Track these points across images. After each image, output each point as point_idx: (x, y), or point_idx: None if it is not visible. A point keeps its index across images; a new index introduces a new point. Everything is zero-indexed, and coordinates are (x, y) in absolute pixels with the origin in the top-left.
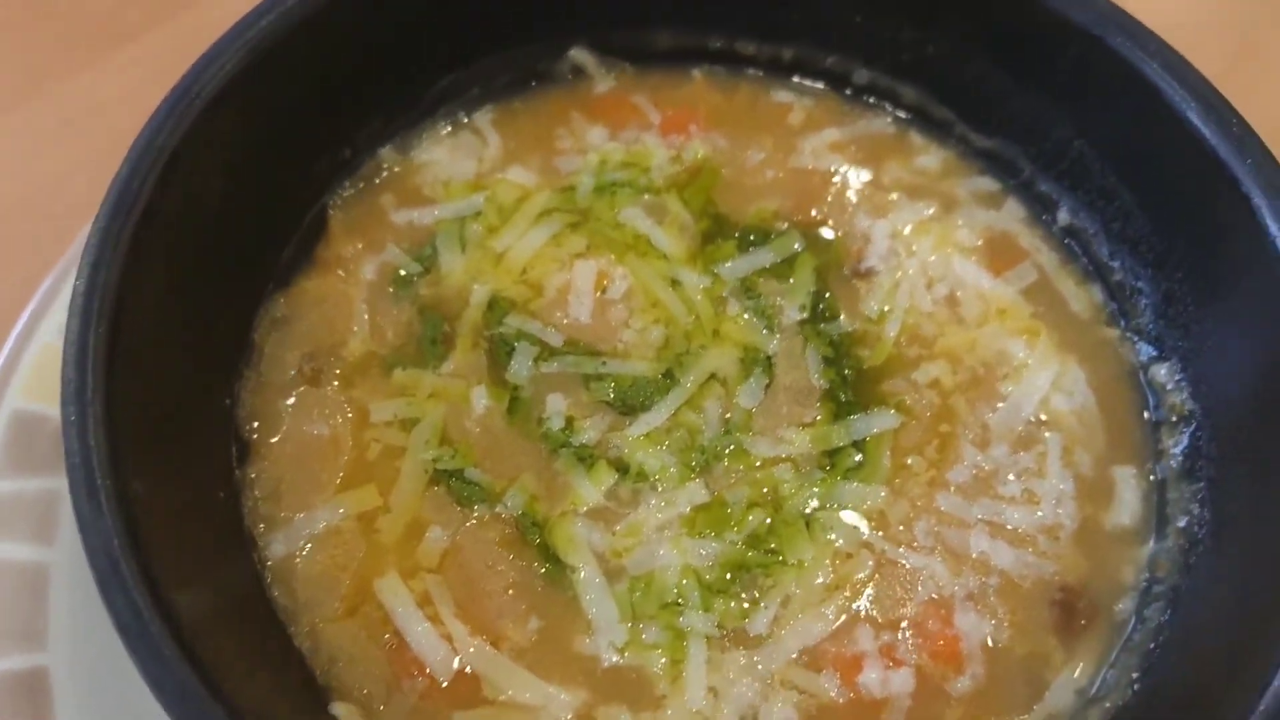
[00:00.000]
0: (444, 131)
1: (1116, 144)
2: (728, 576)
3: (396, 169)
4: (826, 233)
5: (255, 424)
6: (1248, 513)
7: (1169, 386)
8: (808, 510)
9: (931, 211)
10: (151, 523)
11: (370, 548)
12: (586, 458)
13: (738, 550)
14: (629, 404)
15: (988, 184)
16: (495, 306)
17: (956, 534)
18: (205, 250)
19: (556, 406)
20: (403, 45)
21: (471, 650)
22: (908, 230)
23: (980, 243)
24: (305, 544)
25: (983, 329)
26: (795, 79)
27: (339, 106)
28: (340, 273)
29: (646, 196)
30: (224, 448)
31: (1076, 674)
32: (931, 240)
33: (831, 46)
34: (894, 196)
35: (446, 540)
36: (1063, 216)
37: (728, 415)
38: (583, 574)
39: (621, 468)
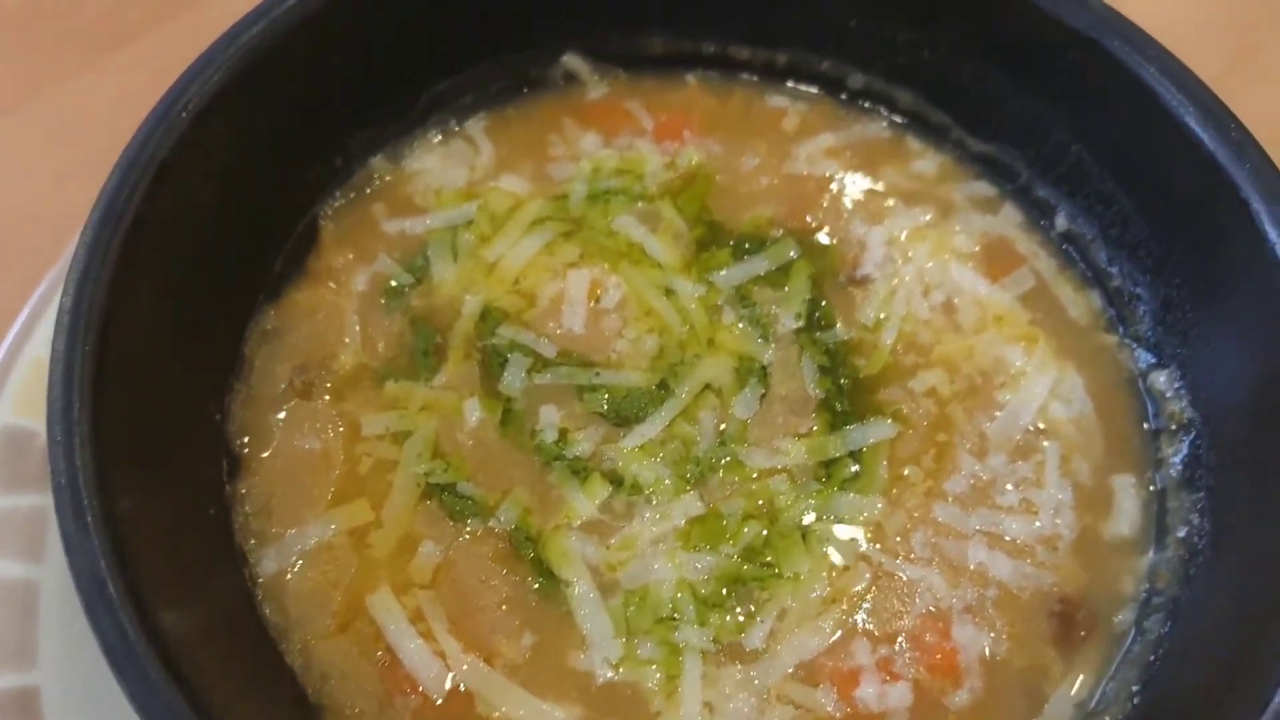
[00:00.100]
0: (435, 139)
1: (1114, 148)
2: (723, 590)
3: (388, 178)
4: (822, 239)
5: (246, 438)
6: (1248, 523)
7: (1168, 394)
8: (804, 522)
9: (928, 217)
10: (139, 541)
11: (362, 563)
12: (580, 470)
13: (733, 563)
14: (623, 415)
15: (985, 189)
16: (488, 317)
17: (954, 545)
18: (195, 263)
19: (550, 418)
20: (394, 52)
21: (465, 667)
22: (904, 236)
23: (977, 248)
24: (296, 560)
25: (980, 336)
26: (790, 84)
27: (330, 115)
28: (331, 284)
29: (640, 204)
30: (214, 463)
31: (1076, 687)
32: (928, 246)
33: (826, 51)
34: (890, 202)
35: (439, 555)
36: (1060, 221)
37: (723, 426)
38: (577, 588)
39: (616, 480)
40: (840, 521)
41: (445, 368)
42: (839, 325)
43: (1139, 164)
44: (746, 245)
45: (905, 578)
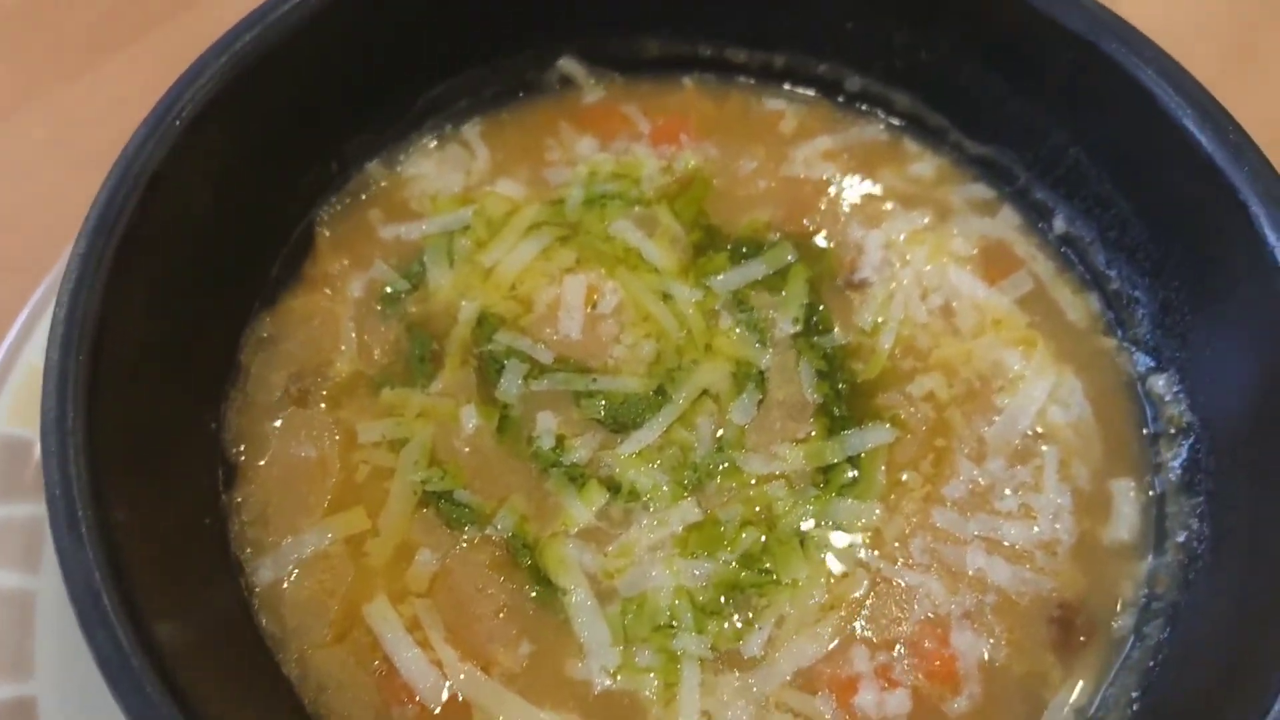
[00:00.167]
0: (431, 144)
1: (1112, 151)
2: (721, 597)
3: (384, 183)
4: (819, 243)
5: (241, 447)
6: (1247, 528)
7: (1167, 398)
8: (802, 528)
9: (926, 220)
10: (134, 552)
11: (359, 572)
12: (577, 477)
13: (731, 570)
14: (620, 421)
15: (983, 191)
16: (484, 323)
17: (953, 551)
18: (190, 270)
19: (547, 425)
20: (389, 57)
21: (462, 676)
22: (902, 239)
23: (975, 251)
24: (293, 569)
25: (978, 340)
26: (787, 86)
27: (325, 120)
28: (327, 291)
29: (637, 208)
30: (209, 472)
31: (1075, 693)
32: (926, 250)
33: (823, 53)
34: (888, 205)
35: (436, 563)
36: (1058, 224)
37: (720, 432)
38: (574, 596)
39: (613, 487)
40: (838, 527)
41: (442, 374)
42: (836, 329)
43: (1137, 166)
44: (744, 249)
45: (904, 584)
